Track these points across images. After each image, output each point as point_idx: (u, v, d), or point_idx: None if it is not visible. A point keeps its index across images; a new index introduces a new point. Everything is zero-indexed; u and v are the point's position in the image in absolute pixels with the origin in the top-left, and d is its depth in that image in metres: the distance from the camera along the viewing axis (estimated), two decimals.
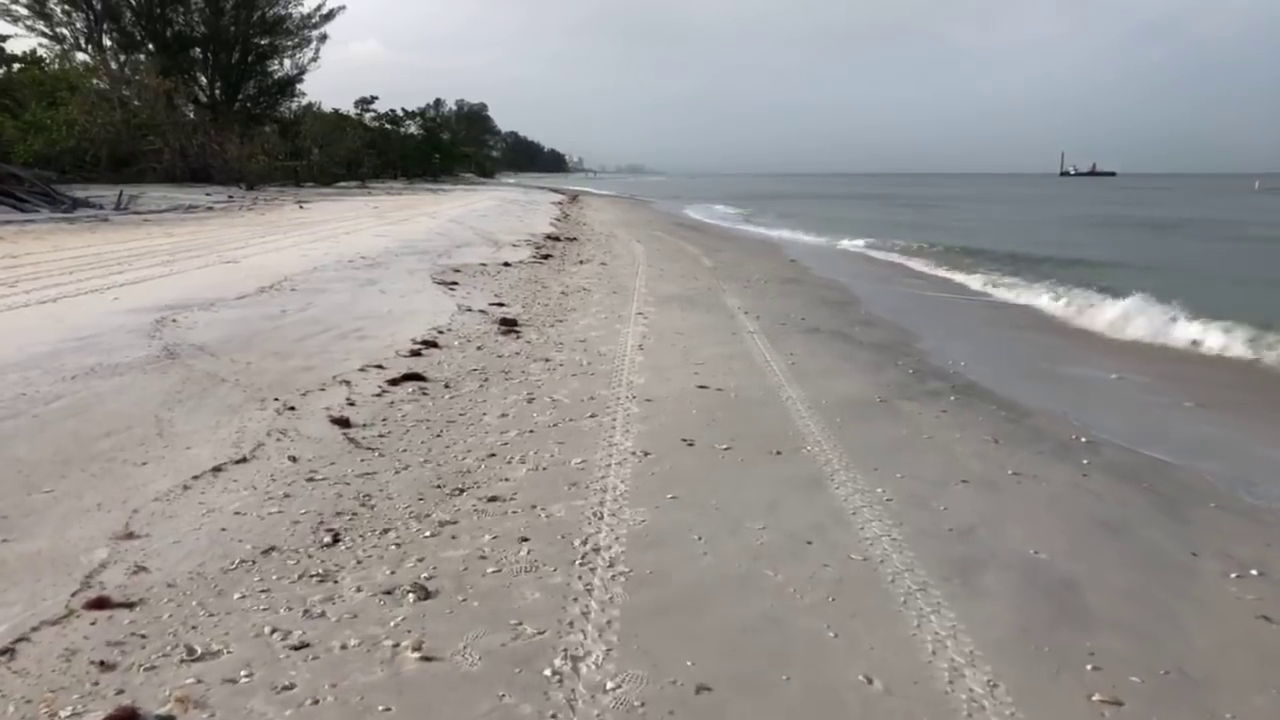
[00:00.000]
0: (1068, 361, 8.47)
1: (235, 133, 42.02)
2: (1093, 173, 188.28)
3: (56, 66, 43.12)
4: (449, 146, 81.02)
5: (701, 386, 6.43)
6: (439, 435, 5.06)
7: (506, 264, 13.49)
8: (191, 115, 47.28)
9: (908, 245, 20.53)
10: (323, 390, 5.83)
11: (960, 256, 18.04)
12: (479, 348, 7.43)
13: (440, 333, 7.93)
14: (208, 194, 31.65)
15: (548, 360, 7.08)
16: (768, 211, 39.95)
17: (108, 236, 14.83)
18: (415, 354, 7.02)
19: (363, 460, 4.58)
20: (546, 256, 15.20)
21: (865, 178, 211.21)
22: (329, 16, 57.13)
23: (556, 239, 19.21)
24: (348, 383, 6.05)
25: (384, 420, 5.28)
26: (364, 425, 5.15)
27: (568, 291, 11.03)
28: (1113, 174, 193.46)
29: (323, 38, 57.64)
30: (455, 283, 10.96)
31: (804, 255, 19.02)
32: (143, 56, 50.51)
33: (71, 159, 35.78)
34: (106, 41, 51.55)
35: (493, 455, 4.76)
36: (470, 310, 9.15)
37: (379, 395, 5.79)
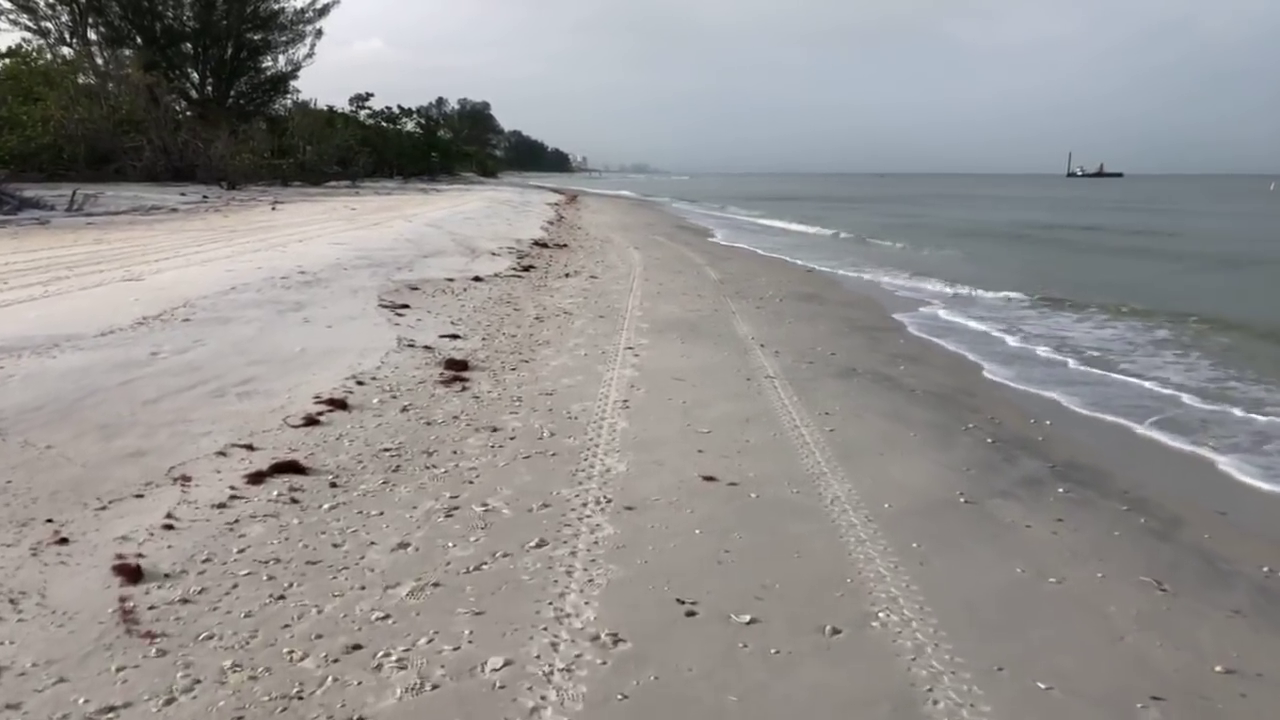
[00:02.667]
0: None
1: (224, 129, 40.04)
2: (1100, 174, 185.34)
3: (39, 61, 41.17)
4: (447, 145, 78.76)
5: (708, 478, 4.48)
6: (283, 596, 3.11)
7: (477, 278, 11.50)
8: (179, 111, 45.35)
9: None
10: (139, 497, 3.87)
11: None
12: (405, 408, 5.47)
13: (360, 383, 5.96)
14: (182, 194, 29.70)
15: (495, 430, 5.12)
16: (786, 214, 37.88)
17: (24, 244, 12.87)
18: (311, 421, 5.06)
19: (120, 671, 2.62)
20: (528, 268, 13.24)
21: (868, 178, 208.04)
22: (323, 11, 55.22)
23: (544, 245, 17.25)
24: (186, 480, 4.09)
25: (206, 562, 3.32)
26: (167, 576, 3.20)
27: (544, 316, 9.06)
28: (1120, 175, 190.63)
29: (318, 33, 55.72)
30: (406, 305, 8.98)
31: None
32: (129, 51, 48.65)
33: (50, 156, 33.97)
34: (92, 36, 49.80)
35: (357, 648, 2.81)
36: (413, 346, 7.18)
37: (221, 507, 3.83)
